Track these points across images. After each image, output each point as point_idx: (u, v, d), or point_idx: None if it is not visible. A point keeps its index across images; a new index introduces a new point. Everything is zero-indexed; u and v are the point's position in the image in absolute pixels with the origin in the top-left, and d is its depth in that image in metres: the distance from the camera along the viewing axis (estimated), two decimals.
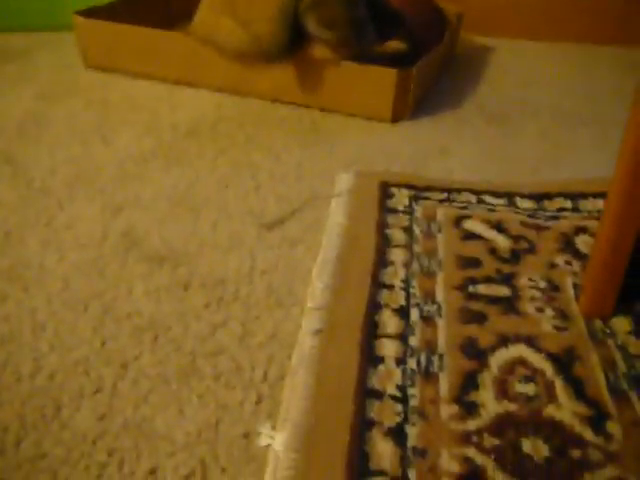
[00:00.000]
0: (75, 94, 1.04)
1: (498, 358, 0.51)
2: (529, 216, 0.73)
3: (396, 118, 0.96)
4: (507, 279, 0.61)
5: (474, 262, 0.64)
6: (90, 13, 1.11)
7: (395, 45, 1.00)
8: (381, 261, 0.63)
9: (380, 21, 0.96)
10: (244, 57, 0.98)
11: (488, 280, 0.61)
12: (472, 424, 0.45)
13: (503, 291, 0.60)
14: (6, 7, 1.31)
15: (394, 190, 0.77)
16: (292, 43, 0.93)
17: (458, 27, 1.23)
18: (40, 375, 0.51)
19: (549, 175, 0.84)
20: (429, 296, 0.59)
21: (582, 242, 0.67)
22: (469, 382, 0.49)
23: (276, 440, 0.44)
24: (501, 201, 0.76)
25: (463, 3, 1.36)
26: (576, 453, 0.44)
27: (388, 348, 0.52)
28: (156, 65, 1.08)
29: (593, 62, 1.27)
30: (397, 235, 0.68)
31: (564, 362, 0.51)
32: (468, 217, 0.72)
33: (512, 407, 0.47)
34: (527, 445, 0.44)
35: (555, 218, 0.73)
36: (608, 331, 0.55)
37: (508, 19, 1.39)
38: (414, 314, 0.56)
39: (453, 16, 1.21)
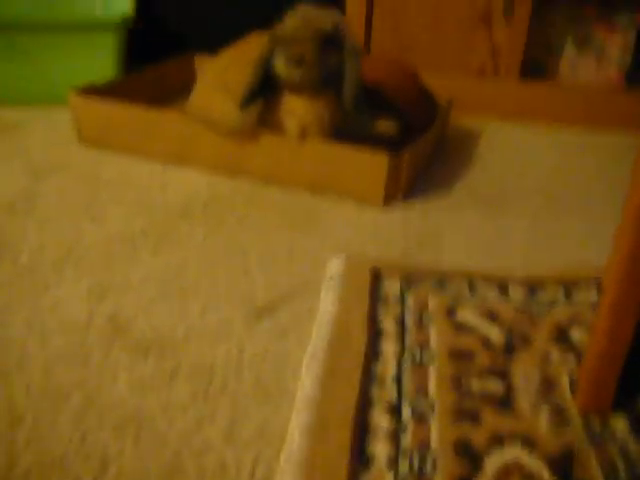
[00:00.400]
0: (67, 170, 1.07)
1: (493, 461, 0.51)
2: (522, 306, 0.74)
3: (388, 202, 0.98)
4: (501, 374, 0.62)
5: (467, 355, 0.64)
6: (87, 91, 1.14)
7: (385, 125, 1.03)
8: (372, 353, 0.63)
9: (369, 99, 1.00)
10: (238, 134, 1.01)
11: (481, 375, 0.61)
12: None
13: (497, 387, 0.60)
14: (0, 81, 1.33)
15: (385, 277, 0.78)
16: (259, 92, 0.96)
17: (448, 111, 1.28)
18: (14, 472, 0.49)
19: (542, 260, 0.86)
20: (421, 391, 0.59)
21: (577, 333, 0.68)
22: None
23: None
24: (494, 289, 0.77)
25: (452, 83, 1.41)
26: None
27: (379, 448, 0.52)
28: (150, 143, 1.11)
29: (585, 146, 1.31)
30: (388, 325, 0.68)
31: (562, 466, 0.51)
32: (460, 307, 0.73)
33: None
34: None
35: (549, 308, 0.74)
36: (607, 429, 0.54)
37: (498, 101, 1.44)
38: (406, 411, 0.56)
39: (443, 101, 1.26)
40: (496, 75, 1.46)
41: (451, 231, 0.92)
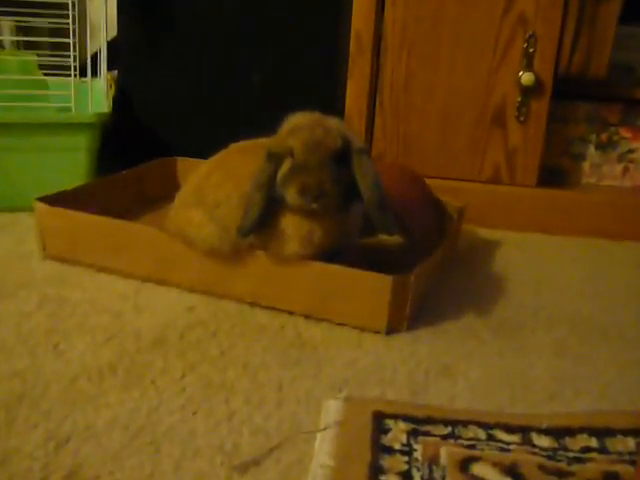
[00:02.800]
0: (29, 289, 1.07)
1: None
2: (548, 457, 0.73)
3: (391, 330, 0.99)
4: None
5: None
6: (53, 200, 1.17)
7: (387, 240, 1.06)
8: None
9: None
10: (216, 252, 1.03)
11: None
12: None
13: None
14: None
15: (390, 422, 0.78)
16: (263, 221, 0.98)
17: (460, 221, 1.31)
18: None
19: (569, 400, 0.86)
20: None
21: None
22: None
23: None
24: (515, 437, 0.76)
25: (463, 190, 1.47)
26: None
27: None
28: (123, 259, 1.12)
29: (609, 259, 1.34)
30: None
31: None
32: (477, 459, 0.72)
33: None
34: None
35: (579, 460, 0.73)
36: None
37: (515, 210, 1.49)
38: None
39: (454, 210, 1.29)
40: (512, 181, 1.50)
41: (464, 364, 0.93)
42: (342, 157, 0.93)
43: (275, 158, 0.95)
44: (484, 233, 1.47)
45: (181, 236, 1.05)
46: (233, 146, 1.09)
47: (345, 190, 0.93)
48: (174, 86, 1.67)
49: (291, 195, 0.93)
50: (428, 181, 1.30)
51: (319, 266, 0.99)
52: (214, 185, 1.03)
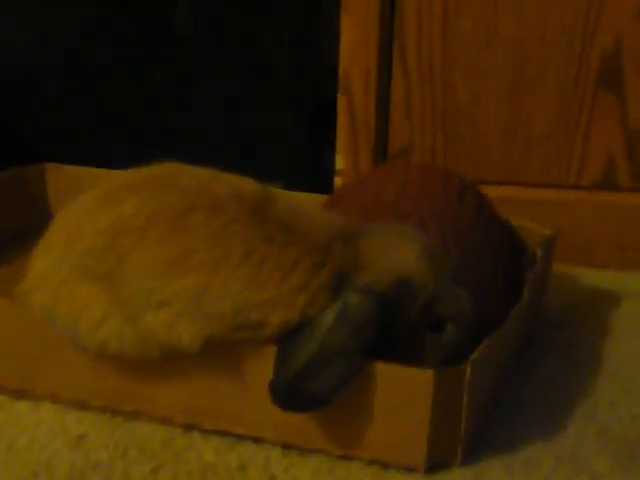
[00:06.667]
0: None
1: None
2: None
3: (434, 463, 0.73)
4: None
5: None
6: None
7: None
8: None
9: None
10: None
11: None
12: None
13: None
14: None
15: None
16: None
17: (547, 261, 1.01)
18: None
19: None
20: None
21: None
22: None
23: None
24: None
25: (553, 211, 1.14)
26: None
27: None
28: None
29: None
30: None
31: None
32: None
33: None
34: None
35: None
36: None
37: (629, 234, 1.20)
38: None
39: (536, 241, 0.99)
40: (637, 185, 1.16)
41: None
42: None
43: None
44: (590, 278, 1.16)
45: (60, 324, 0.77)
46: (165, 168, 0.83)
47: None
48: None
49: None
50: (487, 191, 0.98)
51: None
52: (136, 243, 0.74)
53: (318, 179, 1.30)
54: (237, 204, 0.76)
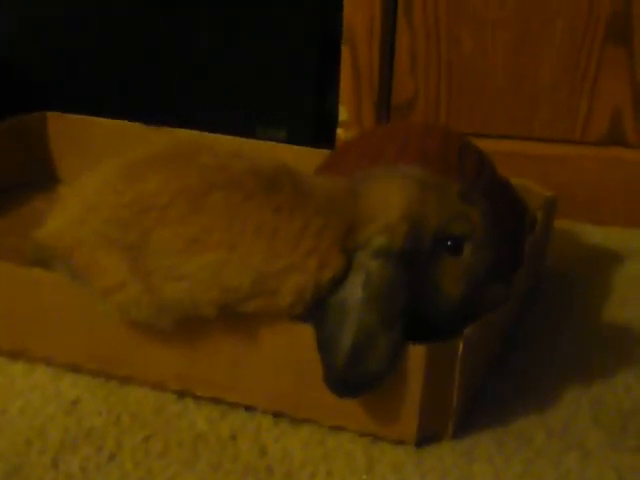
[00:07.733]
0: None
1: None
2: None
3: (426, 438, 0.72)
4: None
5: None
6: None
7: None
8: None
9: None
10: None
11: None
12: None
13: None
14: None
15: None
16: None
17: (549, 221, 0.98)
18: None
19: None
20: None
21: None
22: None
23: None
24: None
25: (558, 168, 1.12)
26: None
27: None
28: None
29: None
30: None
31: None
32: None
33: None
34: None
35: None
36: None
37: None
38: None
39: (537, 202, 0.96)
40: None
41: None
42: None
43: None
44: (594, 235, 1.15)
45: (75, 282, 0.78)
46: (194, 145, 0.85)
47: None
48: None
49: None
50: (491, 145, 0.97)
51: (298, 328, 0.73)
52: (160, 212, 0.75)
53: (322, 124, 1.27)
54: (254, 179, 0.76)
